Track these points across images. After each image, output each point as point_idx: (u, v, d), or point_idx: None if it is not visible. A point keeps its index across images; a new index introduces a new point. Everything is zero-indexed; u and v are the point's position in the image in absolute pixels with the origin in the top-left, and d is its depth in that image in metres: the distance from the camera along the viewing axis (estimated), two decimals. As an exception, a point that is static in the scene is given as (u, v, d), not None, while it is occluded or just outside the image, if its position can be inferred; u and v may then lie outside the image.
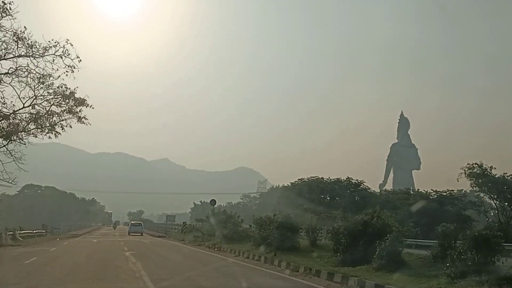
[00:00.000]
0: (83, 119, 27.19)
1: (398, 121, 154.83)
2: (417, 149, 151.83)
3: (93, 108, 27.03)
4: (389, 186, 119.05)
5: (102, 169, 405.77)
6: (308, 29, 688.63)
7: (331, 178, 59.13)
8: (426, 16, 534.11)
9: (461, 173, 39.23)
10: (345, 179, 59.48)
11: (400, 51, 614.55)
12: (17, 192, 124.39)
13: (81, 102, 26.61)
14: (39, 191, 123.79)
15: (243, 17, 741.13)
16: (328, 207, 54.06)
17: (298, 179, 60.38)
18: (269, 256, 20.95)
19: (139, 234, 56.21)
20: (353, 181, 59.28)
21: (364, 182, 64.32)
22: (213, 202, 47.71)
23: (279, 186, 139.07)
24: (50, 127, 26.58)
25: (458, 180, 40.02)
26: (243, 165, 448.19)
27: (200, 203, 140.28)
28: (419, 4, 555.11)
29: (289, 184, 60.54)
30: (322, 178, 59.42)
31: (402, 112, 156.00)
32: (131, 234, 55.78)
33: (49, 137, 26.88)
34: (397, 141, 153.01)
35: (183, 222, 49.69)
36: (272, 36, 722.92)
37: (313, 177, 58.83)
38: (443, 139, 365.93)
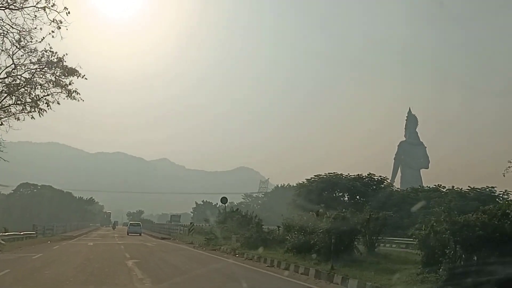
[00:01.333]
0: (74, 94, 21.49)
1: (405, 118, 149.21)
2: (426, 147, 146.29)
3: (86, 79, 21.37)
4: (396, 185, 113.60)
5: (101, 169, 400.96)
6: (309, 30, 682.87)
7: (350, 174, 53.69)
8: (429, 16, 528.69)
9: (509, 167, 34.10)
10: (366, 175, 53.96)
11: (406, 52, 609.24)
12: (12, 192, 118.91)
13: (71, 71, 20.91)
14: (35, 190, 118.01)
15: (243, 18, 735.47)
16: (349, 207, 48.66)
17: (315, 176, 54.70)
18: (323, 270, 15.23)
19: (138, 234, 56.38)
20: (375, 177, 53.72)
21: (387, 178, 58.86)
22: (224, 200, 42.05)
23: (284, 185, 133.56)
24: (32, 103, 20.87)
25: (504, 175, 34.93)
26: (243, 165, 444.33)
27: (202, 203, 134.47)
28: (419, 4, 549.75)
29: (304, 181, 54.79)
30: (341, 174, 53.89)
31: (410, 109, 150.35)
32: (130, 234, 55.92)
33: (32, 117, 21.16)
34: (404, 139, 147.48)
35: (190, 223, 43.92)
36: (272, 36, 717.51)
37: (331, 173, 53.22)
38: (443, 138, 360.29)
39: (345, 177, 53.10)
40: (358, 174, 53.61)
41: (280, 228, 26.97)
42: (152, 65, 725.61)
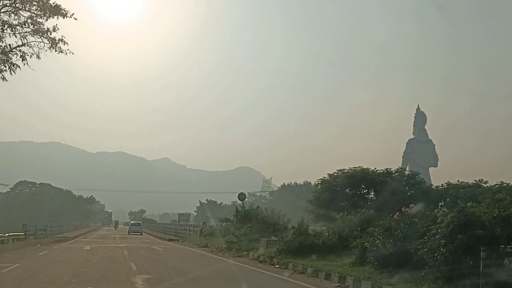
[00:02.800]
0: (59, 44, 15.17)
1: (414, 115, 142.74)
2: (434, 145, 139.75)
3: (76, 19, 15.09)
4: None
5: (102, 169, 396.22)
6: (309, 30, 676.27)
7: (377, 169, 47.26)
8: (428, 16, 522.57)
9: None
10: (395, 170, 47.56)
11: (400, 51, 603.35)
12: (9, 190, 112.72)
13: (54, 9, 14.55)
14: (33, 189, 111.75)
15: (243, 19, 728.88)
16: (377, 206, 42.76)
17: (338, 170, 48.28)
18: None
19: (139, 233, 56.30)
20: (406, 172, 47.34)
21: (419, 173, 52.52)
22: (242, 196, 35.83)
23: (290, 183, 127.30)
24: (2, 56, 14.53)
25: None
26: (244, 164, 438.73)
27: (206, 202, 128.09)
28: (419, 4, 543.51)
29: (326, 177, 48.36)
30: (367, 168, 47.51)
31: (418, 106, 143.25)
32: (131, 233, 55.53)
33: (3, 79, 14.80)
34: (413, 136, 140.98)
35: (203, 222, 37.52)
36: (272, 37, 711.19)
37: (356, 167, 46.77)
38: (444, 137, 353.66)
39: (372, 171, 46.70)
40: (387, 169, 47.17)
41: (329, 230, 20.73)
42: (154, 67, 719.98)
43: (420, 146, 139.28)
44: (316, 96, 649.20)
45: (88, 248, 28.77)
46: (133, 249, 28.01)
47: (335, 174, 48.74)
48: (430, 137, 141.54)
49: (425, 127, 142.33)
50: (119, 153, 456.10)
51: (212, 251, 27.40)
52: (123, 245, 32.44)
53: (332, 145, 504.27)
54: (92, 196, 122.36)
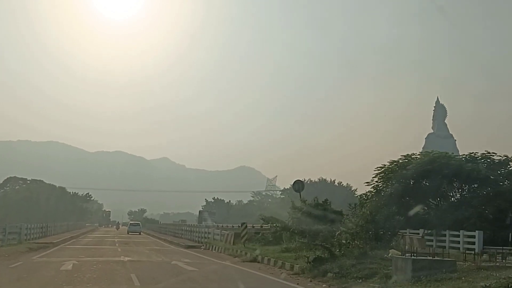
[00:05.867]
0: None
1: (433, 109, 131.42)
2: (455, 140, 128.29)
3: None
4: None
5: (101, 168, 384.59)
6: (310, 30, 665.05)
7: (463, 154, 35.45)
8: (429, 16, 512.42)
9: None
10: (480, 155, 35.49)
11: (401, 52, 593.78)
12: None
13: None
14: (24, 185, 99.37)
15: (243, 19, 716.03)
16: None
17: (403, 156, 36.49)
18: None
19: (138, 233, 56.99)
20: (495, 158, 35.16)
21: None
22: (299, 185, 23.96)
23: (305, 180, 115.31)
24: None
25: None
26: (244, 164, 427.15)
27: (213, 200, 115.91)
28: (419, 5, 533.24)
29: (386, 164, 36.26)
30: (446, 153, 35.60)
31: (438, 98, 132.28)
32: (130, 233, 56.14)
33: None
34: (432, 131, 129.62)
35: (242, 223, 25.39)
36: (273, 37, 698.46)
37: (436, 152, 34.86)
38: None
39: (455, 157, 34.66)
40: (471, 153, 35.07)
41: None
42: (152, 66, 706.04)
43: (440, 141, 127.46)
44: (317, 96, 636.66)
45: (70, 266, 16.63)
46: (145, 270, 15.99)
47: (401, 161, 36.78)
48: (450, 132, 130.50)
49: (445, 121, 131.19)
50: (118, 152, 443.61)
51: (281, 273, 15.38)
52: (126, 258, 20.37)
53: (333, 145, 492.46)
54: (88, 193, 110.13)
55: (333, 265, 13.62)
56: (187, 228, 41.14)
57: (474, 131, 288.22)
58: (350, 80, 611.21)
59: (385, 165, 36.20)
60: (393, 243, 16.54)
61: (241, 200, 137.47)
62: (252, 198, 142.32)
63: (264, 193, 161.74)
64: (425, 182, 32.94)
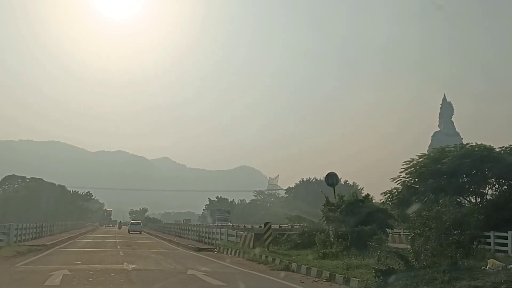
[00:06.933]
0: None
1: (439, 106, 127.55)
2: (462, 138, 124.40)
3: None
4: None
5: (102, 168, 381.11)
6: (310, 31, 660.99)
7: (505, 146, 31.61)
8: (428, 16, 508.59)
9: None
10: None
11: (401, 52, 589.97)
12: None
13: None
14: (23, 184, 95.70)
15: (243, 19, 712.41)
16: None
17: (435, 149, 32.64)
18: None
19: (138, 232, 57.56)
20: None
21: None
22: (333, 178, 20.22)
23: (310, 179, 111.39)
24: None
25: None
26: (244, 163, 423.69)
27: (216, 199, 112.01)
28: (419, 5, 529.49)
29: (415, 158, 32.37)
30: (487, 145, 31.67)
31: (444, 96, 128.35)
32: (131, 232, 56.97)
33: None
34: (439, 129, 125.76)
35: (265, 223, 21.50)
36: (273, 37, 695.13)
37: (477, 144, 30.96)
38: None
39: (495, 149, 30.68)
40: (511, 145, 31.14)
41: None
42: (153, 66, 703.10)
43: (447, 140, 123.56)
44: (317, 96, 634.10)
45: (58, 280, 12.74)
46: (156, 285, 12.15)
47: (437, 152, 32.98)
48: (457, 130, 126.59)
49: (452, 118, 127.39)
50: (119, 152, 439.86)
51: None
52: (131, 266, 16.51)
53: (333, 145, 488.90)
54: (88, 192, 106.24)
55: (416, 280, 9.76)
56: (194, 228, 37.26)
57: (474, 131, 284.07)
58: (350, 80, 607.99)
59: (413, 159, 32.39)
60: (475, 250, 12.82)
61: (244, 199, 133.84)
62: (254, 198, 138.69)
63: (266, 192, 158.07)
64: (464, 177, 29.25)
